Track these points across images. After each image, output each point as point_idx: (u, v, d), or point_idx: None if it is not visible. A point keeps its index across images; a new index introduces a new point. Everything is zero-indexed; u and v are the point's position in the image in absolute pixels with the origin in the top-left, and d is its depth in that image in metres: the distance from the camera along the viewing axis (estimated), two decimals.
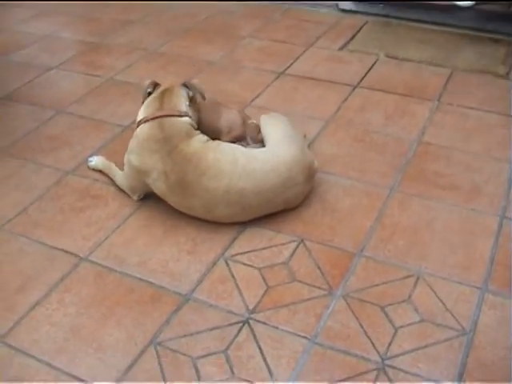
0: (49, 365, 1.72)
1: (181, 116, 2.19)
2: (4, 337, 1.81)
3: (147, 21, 4.06)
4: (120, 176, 2.35)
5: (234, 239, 2.14)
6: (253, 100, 3.02)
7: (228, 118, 2.40)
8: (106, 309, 1.88)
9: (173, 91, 2.26)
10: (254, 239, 2.13)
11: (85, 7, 4.32)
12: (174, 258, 2.07)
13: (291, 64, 3.38)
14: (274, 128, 2.31)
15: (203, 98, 2.29)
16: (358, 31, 3.77)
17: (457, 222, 2.19)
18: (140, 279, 1.98)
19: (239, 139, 2.36)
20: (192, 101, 2.29)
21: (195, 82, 2.33)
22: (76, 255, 2.09)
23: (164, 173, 2.10)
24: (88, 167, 2.51)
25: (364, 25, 3.86)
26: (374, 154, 2.58)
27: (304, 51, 3.53)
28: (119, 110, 2.97)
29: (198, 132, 2.21)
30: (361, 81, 3.18)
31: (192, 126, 2.21)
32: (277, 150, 2.18)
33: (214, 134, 2.29)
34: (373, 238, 2.12)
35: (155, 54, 3.57)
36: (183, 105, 2.24)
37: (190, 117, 2.23)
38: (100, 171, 2.48)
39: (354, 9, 4.02)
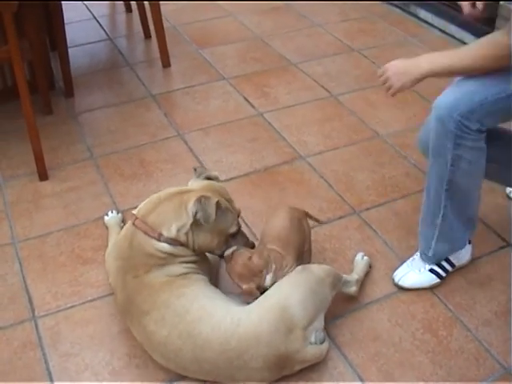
0: None
1: (159, 240, 1.75)
2: None
3: None
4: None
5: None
6: None
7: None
8: None
9: (179, 203, 1.76)
10: None
11: None
12: (96, 366, 1.82)
13: None
14: (286, 288, 1.72)
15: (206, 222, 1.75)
16: None
17: None
18: None
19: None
20: (195, 224, 1.76)
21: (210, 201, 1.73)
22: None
23: (114, 287, 1.86)
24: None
25: None
26: None
27: None
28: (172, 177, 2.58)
29: (179, 261, 1.77)
30: None
31: (171, 254, 1.76)
32: (248, 317, 1.67)
33: None
34: None
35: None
36: (171, 230, 1.75)
37: (172, 243, 1.76)
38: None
39: None
